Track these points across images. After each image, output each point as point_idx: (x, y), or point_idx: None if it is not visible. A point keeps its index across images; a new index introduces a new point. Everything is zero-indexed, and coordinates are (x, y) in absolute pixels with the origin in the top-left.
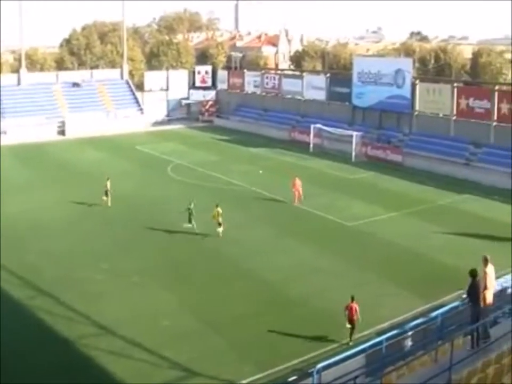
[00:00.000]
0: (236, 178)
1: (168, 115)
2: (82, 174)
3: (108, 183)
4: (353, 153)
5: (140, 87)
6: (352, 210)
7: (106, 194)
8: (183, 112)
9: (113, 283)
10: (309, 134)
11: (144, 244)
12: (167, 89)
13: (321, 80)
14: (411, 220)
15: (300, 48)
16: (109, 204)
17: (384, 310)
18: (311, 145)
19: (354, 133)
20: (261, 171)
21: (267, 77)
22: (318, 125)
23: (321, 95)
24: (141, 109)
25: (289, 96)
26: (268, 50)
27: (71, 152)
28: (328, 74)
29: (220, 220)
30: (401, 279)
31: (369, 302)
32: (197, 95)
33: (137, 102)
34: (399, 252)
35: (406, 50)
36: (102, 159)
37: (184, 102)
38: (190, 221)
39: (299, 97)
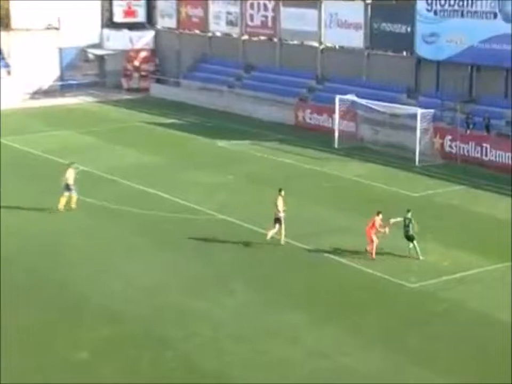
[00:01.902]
0: (194, 198)
1: (61, 78)
2: None
3: (71, 172)
4: (418, 149)
5: (4, 23)
6: (418, 258)
7: (67, 189)
8: (92, 73)
9: None
10: (331, 113)
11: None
12: (57, 29)
13: (355, 11)
14: None
15: None
16: (73, 204)
17: None
18: (337, 135)
19: (420, 111)
20: None
21: (252, 5)
22: (350, 96)
23: (355, 40)
24: (7, 67)
25: (294, 41)
26: None
27: None
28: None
29: (280, 214)
30: None
31: None
32: (118, 41)
33: None
34: None
35: None
36: None
37: (92, 53)
38: (411, 239)
39: (313, 44)
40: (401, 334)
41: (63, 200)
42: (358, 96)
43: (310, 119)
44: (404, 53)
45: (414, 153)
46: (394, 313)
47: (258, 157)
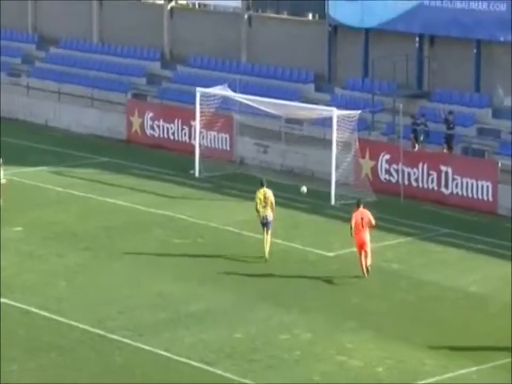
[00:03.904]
0: None
1: None
2: None
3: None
4: (334, 178)
5: None
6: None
7: None
8: None
9: None
10: (188, 119)
11: None
12: None
13: None
14: None
15: None
16: None
17: None
18: (198, 156)
19: (337, 112)
20: None
21: None
22: (220, 89)
23: None
24: None
25: None
26: None
27: None
28: None
29: (267, 212)
30: None
31: None
32: None
33: None
34: None
35: None
36: None
37: None
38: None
39: (157, 1)
40: None
41: None
42: (233, 88)
43: (153, 128)
44: (310, 17)
45: (328, 184)
46: None
47: (64, 195)
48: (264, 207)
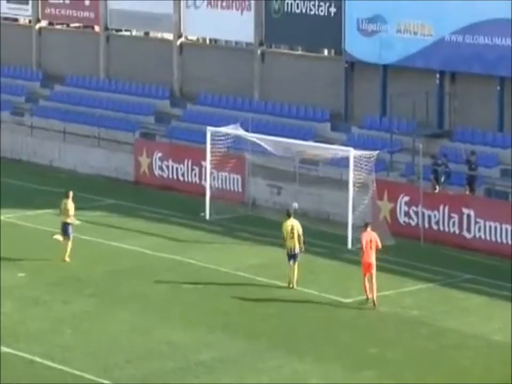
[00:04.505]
0: None
1: None
2: None
3: (69, 204)
4: (350, 221)
5: None
6: None
7: (64, 231)
8: None
9: None
10: (199, 159)
11: None
12: None
13: None
14: None
15: None
16: (67, 257)
17: None
18: (208, 198)
19: (353, 152)
20: None
21: None
22: (232, 128)
23: (241, 29)
24: None
25: (130, 32)
26: None
27: None
28: None
29: (293, 244)
30: None
31: None
32: None
33: None
34: None
35: None
36: None
37: None
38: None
39: (166, 36)
40: None
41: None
42: (245, 127)
43: (162, 169)
44: (326, 52)
45: (345, 227)
46: None
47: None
48: (291, 238)
